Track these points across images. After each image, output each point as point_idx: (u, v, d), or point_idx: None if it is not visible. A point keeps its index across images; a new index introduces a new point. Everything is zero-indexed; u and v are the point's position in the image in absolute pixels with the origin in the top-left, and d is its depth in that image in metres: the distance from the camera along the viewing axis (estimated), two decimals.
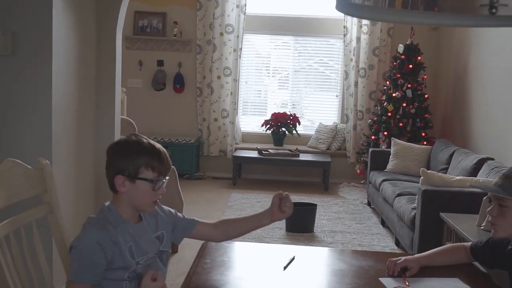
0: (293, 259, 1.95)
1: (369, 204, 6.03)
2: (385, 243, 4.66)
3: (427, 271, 1.88)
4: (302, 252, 2.12)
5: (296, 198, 6.12)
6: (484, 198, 3.29)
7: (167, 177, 1.68)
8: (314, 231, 4.88)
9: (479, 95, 5.44)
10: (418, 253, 3.93)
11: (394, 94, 6.22)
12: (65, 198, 2.95)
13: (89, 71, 3.34)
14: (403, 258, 1.90)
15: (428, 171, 4.12)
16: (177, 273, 3.69)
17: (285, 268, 1.87)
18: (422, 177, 4.07)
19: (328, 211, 5.70)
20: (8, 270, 1.58)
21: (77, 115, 3.20)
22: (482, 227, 3.20)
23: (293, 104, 7.70)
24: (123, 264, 1.60)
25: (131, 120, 3.84)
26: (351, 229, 5.08)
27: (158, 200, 1.69)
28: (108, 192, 1.65)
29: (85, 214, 3.30)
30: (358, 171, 6.82)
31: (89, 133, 3.39)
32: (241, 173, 7.26)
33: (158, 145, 1.68)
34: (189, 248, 4.19)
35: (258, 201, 5.98)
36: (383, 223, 5.25)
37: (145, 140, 1.66)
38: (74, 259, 1.57)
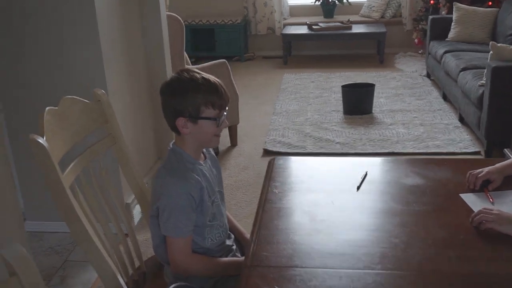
0: (365, 176, 1.87)
1: (428, 76, 5.76)
2: (448, 120, 4.50)
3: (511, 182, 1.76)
4: (374, 166, 2.03)
5: (351, 74, 5.94)
6: None
7: (227, 108, 1.60)
8: (373, 111, 4.74)
9: None
10: (485, 133, 3.78)
11: None
12: (124, 127, 2.94)
13: None
14: (485, 170, 1.78)
15: (498, 45, 3.80)
16: (239, 168, 3.73)
17: (358, 188, 1.80)
18: (491, 52, 3.78)
19: (385, 87, 5.50)
20: (83, 212, 1.57)
21: (122, 20, 3.05)
22: None
23: None
24: (205, 207, 1.58)
25: (178, 16, 3.65)
26: (411, 106, 4.90)
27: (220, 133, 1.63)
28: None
29: (145, 141, 3.32)
30: (416, 40, 6.44)
31: (137, 39, 3.26)
32: (292, 51, 7.02)
33: (212, 78, 1.56)
34: (247, 140, 4.20)
35: (312, 82, 5.81)
36: (444, 97, 5.04)
37: (198, 75, 1.54)
38: (170, 217, 1.54)
